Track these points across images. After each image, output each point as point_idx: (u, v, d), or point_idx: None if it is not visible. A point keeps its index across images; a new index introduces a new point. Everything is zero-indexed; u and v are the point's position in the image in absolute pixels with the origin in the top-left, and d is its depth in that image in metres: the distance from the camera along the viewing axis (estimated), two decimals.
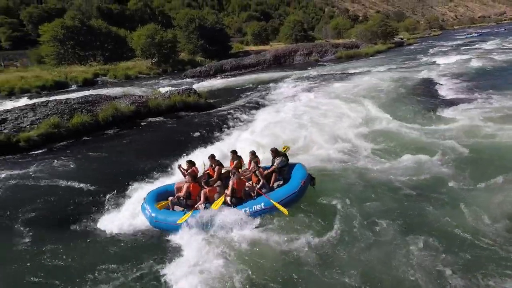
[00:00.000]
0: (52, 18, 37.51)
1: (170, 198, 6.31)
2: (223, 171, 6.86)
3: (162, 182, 7.41)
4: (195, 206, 5.97)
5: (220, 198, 5.97)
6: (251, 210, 5.75)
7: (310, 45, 42.99)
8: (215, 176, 6.65)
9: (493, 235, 5.03)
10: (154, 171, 8.18)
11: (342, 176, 7.25)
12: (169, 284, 4.54)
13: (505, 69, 20.64)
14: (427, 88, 16.54)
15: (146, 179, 7.80)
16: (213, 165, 6.84)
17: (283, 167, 6.67)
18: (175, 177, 7.33)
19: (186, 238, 5.44)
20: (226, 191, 6.11)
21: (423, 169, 7.25)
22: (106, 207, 6.62)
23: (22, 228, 6.05)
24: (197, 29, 41.96)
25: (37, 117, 11.64)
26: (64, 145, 10.86)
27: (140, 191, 7.05)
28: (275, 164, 6.59)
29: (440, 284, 4.26)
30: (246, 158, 6.98)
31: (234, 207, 5.87)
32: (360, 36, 52.41)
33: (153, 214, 5.92)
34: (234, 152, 7.16)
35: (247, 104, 15.66)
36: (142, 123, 13.30)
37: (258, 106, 15.29)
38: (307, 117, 11.64)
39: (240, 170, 6.65)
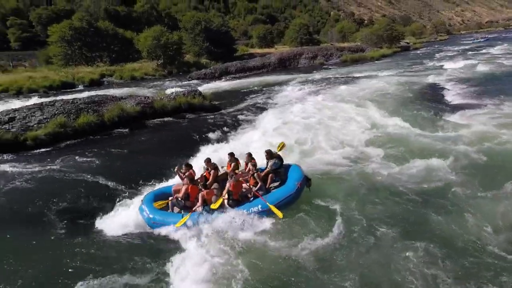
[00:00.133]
0: (61, 19, 38.04)
1: (170, 198, 6.37)
2: (219, 173, 6.94)
3: (166, 182, 7.43)
4: (193, 209, 5.99)
5: (219, 199, 6.04)
6: (248, 212, 5.78)
7: (315, 49, 42.97)
8: (210, 180, 6.70)
9: (496, 246, 4.94)
10: (158, 171, 8.18)
11: (346, 179, 7.21)
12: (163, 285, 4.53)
13: None
14: (434, 92, 16.41)
15: (151, 179, 7.82)
16: (209, 169, 6.89)
17: (278, 168, 6.72)
18: (175, 179, 7.34)
19: (183, 240, 5.47)
20: (224, 192, 6.17)
21: (429, 175, 7.14)
22: (108, 206, 6.62)
23: (21, 225, 6.09)
24: (203, 31, 42.22)
25: (44, 117, 11.75)
26: (70, 144, 10.94)
27: (144, 191, 7.08)
28: (268, 166, 6.67)
29: None
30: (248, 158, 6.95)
31: (231, 209, 5.92)
32: (366, 39, 52.27)
33: (151, 216, 5.93)
34: (231, 155, 7.23)
35: (252, 107, 15.68)
36: (148, 124, 13.37)
37: (263, 108, 15.29)
38: (313, 120, 11.60)
39: (236, 171, 6.75)
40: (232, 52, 46.20)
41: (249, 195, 6.27)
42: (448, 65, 26.95)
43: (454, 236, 5.18)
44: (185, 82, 27.54)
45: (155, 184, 7.55)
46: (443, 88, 17.31)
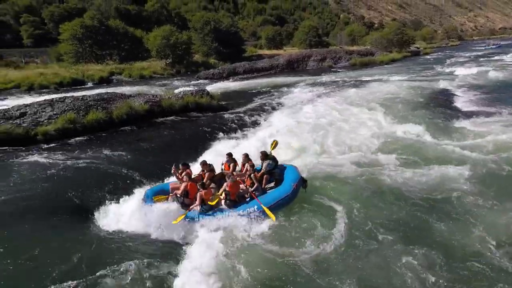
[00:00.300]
0: (73, 17, 38.59)
1: (170, 195, 6.52)
2: (216, 173, 7.03)
3: (168, 180, 7.52)
4: (190, 207, 6.05)
5: (216, 195, 6.14)
6: (244, 212, 5.85)
7: (324, 51, 42.78)
8: (205, 180, 6.72)
9: (497, 259, 4.84)
10: (165, 169, 8.18)
11: (352, 183, 7.16)
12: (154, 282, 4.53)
13: None
14: (445, 98, 16.15)
15: (156, 176, 7.89)
16: (205, 171, 6.92)
17: (272, 169, 6.76)
18: (174, 178, 7.36)
19: (179, 238, 5.53)
20: (221, 191, 6.29)
21: (437, 182, 7.01)
22: (110, 202, 6.62)
23: (24, 221, 6.10)
24: (212, 31, 42.43)
25: (54, 112, 11.89)
26: (79, 140, 11.04)
27: (149, 187, 7.10)
28: (263, 168, 6.72)
29: None
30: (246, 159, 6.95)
31: (228, 209, 6.00)
32: (375, 43, 51.80)
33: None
34: (229, 155, 7.28)
35: (260, 108, 15.63)
36: (155, 122, 13.43)
37: (270, 109, 15.24)
38: (321, 122, 11.55)
39: (234, 172, 6.84)
40: (241, 53, 46.29)
41: (245, 196, 6.33)
42: (459, 71, 26.57)
43: (456, 246, 5.13)
44: (193, 82, 27.66)
45: (160, 182, 7.59)
46: (454, 94, 17.05)
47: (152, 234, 5.77)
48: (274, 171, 6.78)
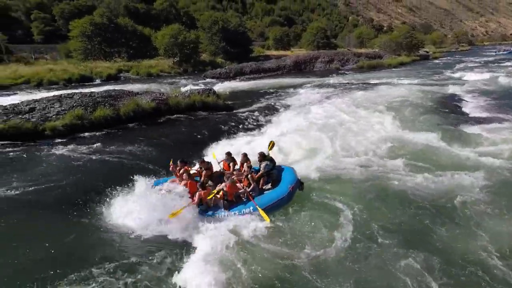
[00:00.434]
0: (83, 15, 39.09)
1: (187, 205, 6.43)
2: (214, 170, 7.10)
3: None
4: (187, 204, 6.04)
5: (211, 192, 6.17)
6: (240, 213, 5.90)
7: (332, 53, 42.55)
8: (202, 179, 6.75)
9: (500, 269, 4.74)
10: (169, 166, 8.20)
11: (356, 185, 7.12)
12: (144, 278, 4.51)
13: None
14: (454, 104, 15.90)
15: (162, 172, 7.94)
16: (202, 168, 6.94)
17: (270, 170, 6.75)
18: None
19: (175, 236, 5.52)
20: (218, 188, 6.33)
21: (445, 188, 6.88)
22: (112, 198, 6.61)
23: (28, 217, 6.15)
24: (220, 31, 42.54)
25: (62, 108, 12.00)
26: (86, 136, 11.13)
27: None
28: (261, 169, 6.72)
29: None
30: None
31: (225, 209, 6.04)
32: (384, 46, 51.34)
33: None
34: (228, 154, 7.31)
35: (266, 108, 15.58)
36: (162, 120, 13.49)
37: (276, 110, 15.19)
38: (327, 124, 11.45)
39: (234, 172, 6.90)
40: (248, 53, 46.33)
41: (241, 196, 6.36)
42: (469, 76, 26.23)
43: (459, 253, 5.07)
44: (200, 81, 27.73)
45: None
46: (464, 100, 16.78)
47: (151, 231, 5.69)
48: (272, 172, 6.78)
